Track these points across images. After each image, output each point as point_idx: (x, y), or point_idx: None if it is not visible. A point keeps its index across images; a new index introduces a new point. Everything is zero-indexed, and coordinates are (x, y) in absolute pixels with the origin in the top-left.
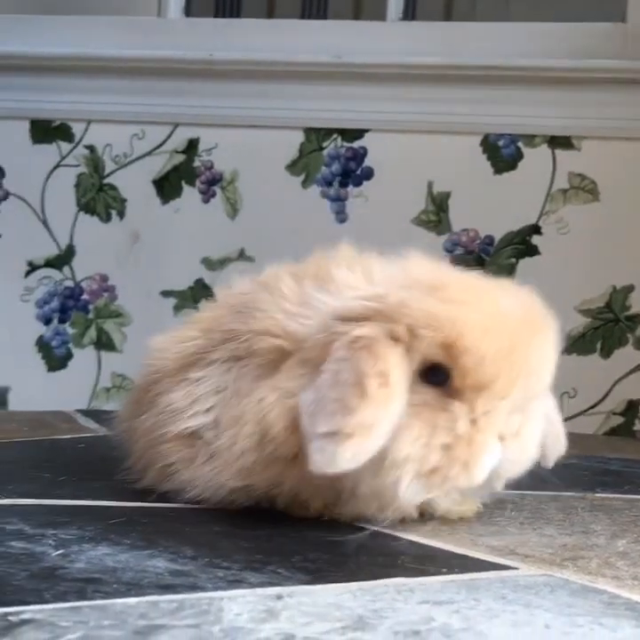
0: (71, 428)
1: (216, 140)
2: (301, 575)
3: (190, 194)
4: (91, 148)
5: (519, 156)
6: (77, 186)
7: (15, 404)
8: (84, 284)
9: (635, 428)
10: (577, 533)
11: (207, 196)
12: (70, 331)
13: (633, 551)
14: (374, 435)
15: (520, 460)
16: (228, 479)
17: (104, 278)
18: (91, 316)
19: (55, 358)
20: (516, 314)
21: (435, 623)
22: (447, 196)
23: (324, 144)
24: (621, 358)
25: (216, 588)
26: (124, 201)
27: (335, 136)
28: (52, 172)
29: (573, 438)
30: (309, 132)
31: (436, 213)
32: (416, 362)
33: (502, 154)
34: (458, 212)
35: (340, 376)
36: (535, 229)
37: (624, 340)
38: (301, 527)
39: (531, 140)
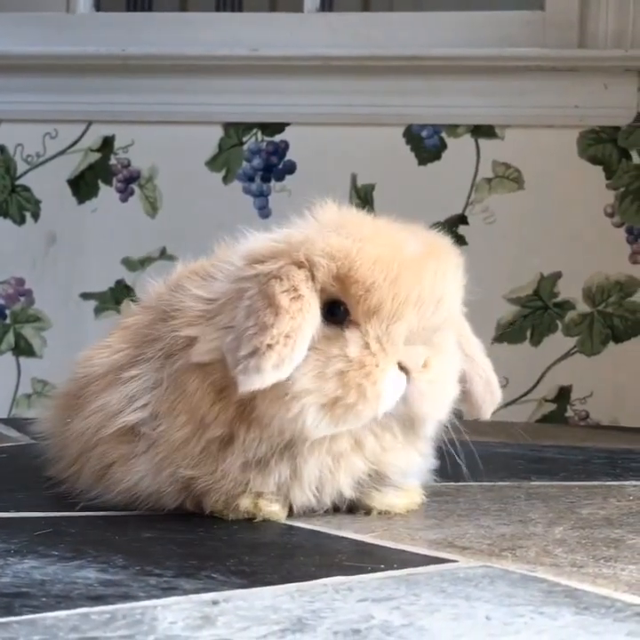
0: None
1: (132, 137)
2: (237, 579)
3: (107, 193)
4: (1, 149)
5: (443, 146)
6: None
7: None
8: (0, 289)
9: (567, 414)
10: (514, 523)
11: (125, 194)
12: None
13: (570, 538)
14: (294, 342)
15: (433, 395)
16: (169, 469)
17: (20, 282)
18: (8, 321)
19: None
20: (412, 247)
21: (374, 621)
22: (372, 188)
23: (245, 139)
24: (551, 345)
25: (149, 597)
26: (38, 202)
27: (255, 130)
28: None
29: (505, 427)
30: (228, 126)
31: (362, 206)
32: (317, 295)
33: (426, 144)
34: (383, 205)
35: (253, 306)
36: (461, 219)
37: (554, 327)
38: (233, 530)
39: (454, 129)
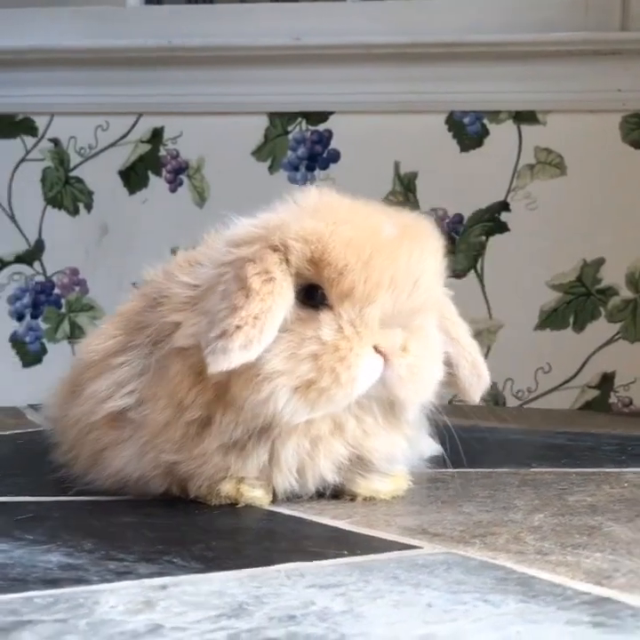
0: (16, 424)
1: (181, 128)
2: (197, 564)
3: (157, 183)
4: (55, 142)
5: (485, 132)
6: (43, 180)
7: None
8: (55, 279)
9: (610, 400)
10: (497, 510)
11: (174, 185)
12: (43, 326)
13: (547, 525)
14: (263, 323)
15: (413, 379)
16: (151, 454)
17: (74, 272)
18: (63, 310)
19: (29, 354)
20: (387, 230)
21: (314, 607)
22: (414, 175)
23: (289, 128)
24: (594, 332)
25: (102, 581)
26: (91, 193)
27: (300, 119)
28: (17, 166)
29: (536, 414)
30: (274, 116)
31: (404, 194)
32: (293, 278)
33: (468, 131)
34: (426, 192)
35: (227, 290)
36: (504, 206)
37: (597, 314)
38: (213, 515)
39: (495, 116)
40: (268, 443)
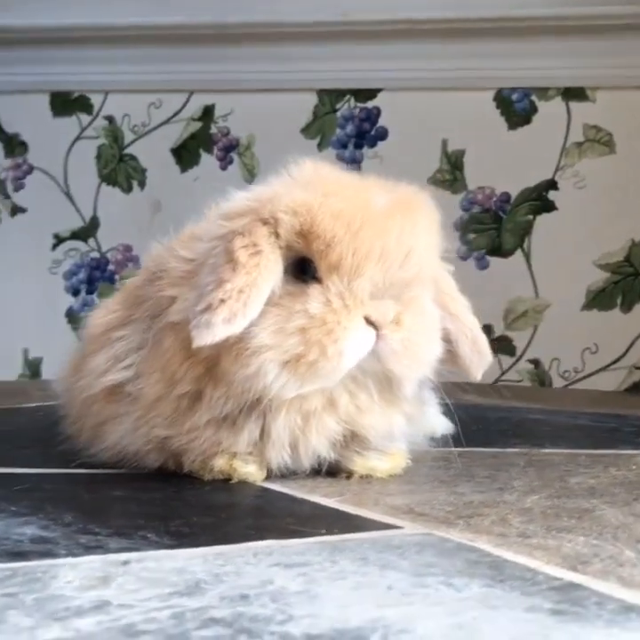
0: (42, 396)
1: (231, 105)
2: (170, 540)
3: (208, 161)
4: (110, 119)
5: (533, 109)
6: (98, 157)
7: (49, 374)
8: (109, 255)
9: None
10: (492, 490)
11: (225, 162)
12: (98, 301)
13: (538, 507)
14: (247, 297)
15: (408, 353)
16: (144, 428)
17: (128, 248)
18: (117, 286)
19: None
20: (378, 202)
21: (271, 587)
22: (462, 153)
23: (338, 105)
24: None
25: (68, 555)
26: (144, 171)
27: (348, 97)
28: (73, 144)
29: (577, 394)
30: (322, 93)
31: (451, 172)
32: (283, 252)
33: (516, 108)
34: (473, 170)
35: (216, 263)
36: (551, 184)
37: None
38: (205, 491)
39: (544, 92)
40: (260, 418)
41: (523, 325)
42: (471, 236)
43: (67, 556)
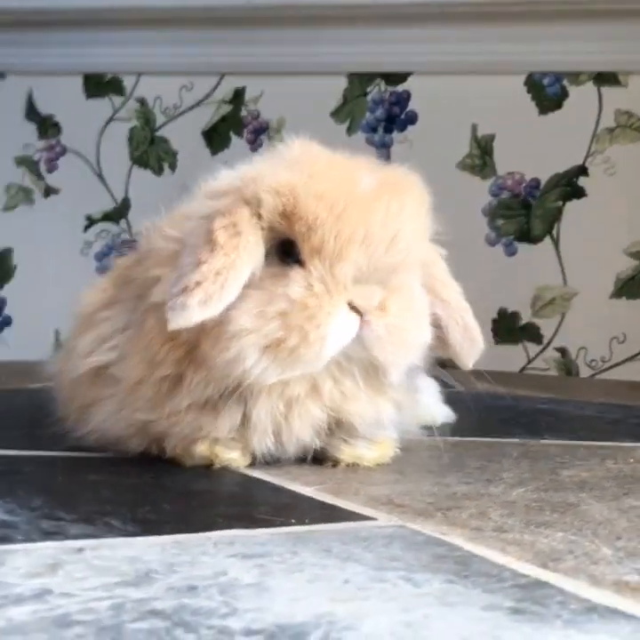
0: (47, 377)
1: (261, 88)
2: (133, 527)
3: (238, 144)
4: (141, 101)
5: (564, 94)
6: (130, 139)
7: None
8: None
9: None
10: (479, 482)
11: (255, 145)
12: None
13: (522, 500)
14: (224, 279)
15: (393, 340)
16: (125, 411)
17: None
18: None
19: None
20: (365, 184)
21: (223, 578)
22: (491, 138)
23: (368, 89)
24: None
25: (25, 541)
26: (175, 153)
27: (378, 80)
28: (105, 126)
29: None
30: (353, 77)
31: (481, 157)
32: (266, 233)
33: (547, 93)
34: (503, 155)
35: (195, 243)
36: (582, 170)
37: None
38: (184, 477)
39: (576, 77)
40: (241, 403)
41: (550, 313)
42: (500, 221)
43: (23, 541)
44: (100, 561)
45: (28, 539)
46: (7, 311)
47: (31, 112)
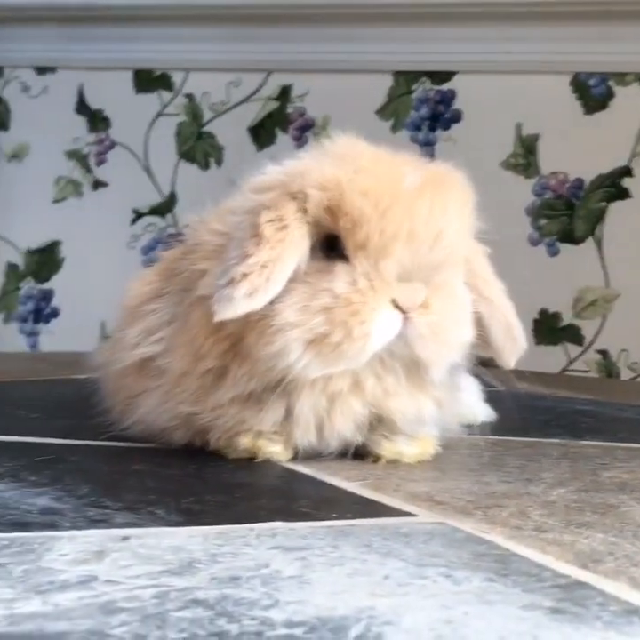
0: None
1: (308, 86)
2: (177, 517)
3: (284, 141)
4: (190, 97)
5: (610, 94)
6: (178, 134)
7: None
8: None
9: None
10: (519, 481)
11: (300, 142)
12: None
13: (562, 500)
14: (270, 272)
15: (436, 338)
16: (169, 403)
17: None
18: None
19: None
20: (410, 180)
21: (265, 570)
22: (536, 138)
23: (413, 87)
24: None
25: (71, 528)
26: (221, 149)
27: (423, 79)
28: (154, 121)
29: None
30: (398, 75)
31: (525, 156)
32: (311, 228)
33: (592, 93)
34: (547, 155)
35: (241, 237)
36: (626, 171)
37: None
38: (227, 469)
39: (622, 77)
40: (284, 397)
41: (591, 314)
42: (542, 221)
43: (70, 528)
44: (145, 549)
45: (75, 526)
46: (55, 302)
47: (81, 106)
